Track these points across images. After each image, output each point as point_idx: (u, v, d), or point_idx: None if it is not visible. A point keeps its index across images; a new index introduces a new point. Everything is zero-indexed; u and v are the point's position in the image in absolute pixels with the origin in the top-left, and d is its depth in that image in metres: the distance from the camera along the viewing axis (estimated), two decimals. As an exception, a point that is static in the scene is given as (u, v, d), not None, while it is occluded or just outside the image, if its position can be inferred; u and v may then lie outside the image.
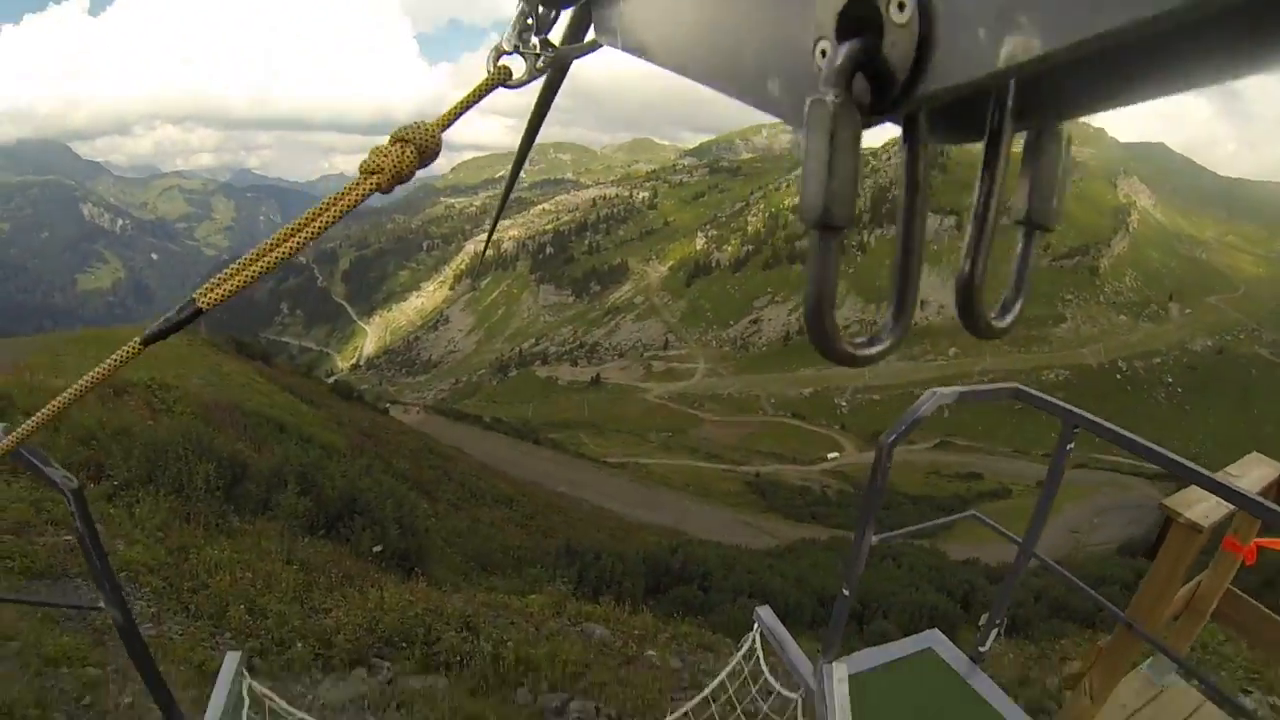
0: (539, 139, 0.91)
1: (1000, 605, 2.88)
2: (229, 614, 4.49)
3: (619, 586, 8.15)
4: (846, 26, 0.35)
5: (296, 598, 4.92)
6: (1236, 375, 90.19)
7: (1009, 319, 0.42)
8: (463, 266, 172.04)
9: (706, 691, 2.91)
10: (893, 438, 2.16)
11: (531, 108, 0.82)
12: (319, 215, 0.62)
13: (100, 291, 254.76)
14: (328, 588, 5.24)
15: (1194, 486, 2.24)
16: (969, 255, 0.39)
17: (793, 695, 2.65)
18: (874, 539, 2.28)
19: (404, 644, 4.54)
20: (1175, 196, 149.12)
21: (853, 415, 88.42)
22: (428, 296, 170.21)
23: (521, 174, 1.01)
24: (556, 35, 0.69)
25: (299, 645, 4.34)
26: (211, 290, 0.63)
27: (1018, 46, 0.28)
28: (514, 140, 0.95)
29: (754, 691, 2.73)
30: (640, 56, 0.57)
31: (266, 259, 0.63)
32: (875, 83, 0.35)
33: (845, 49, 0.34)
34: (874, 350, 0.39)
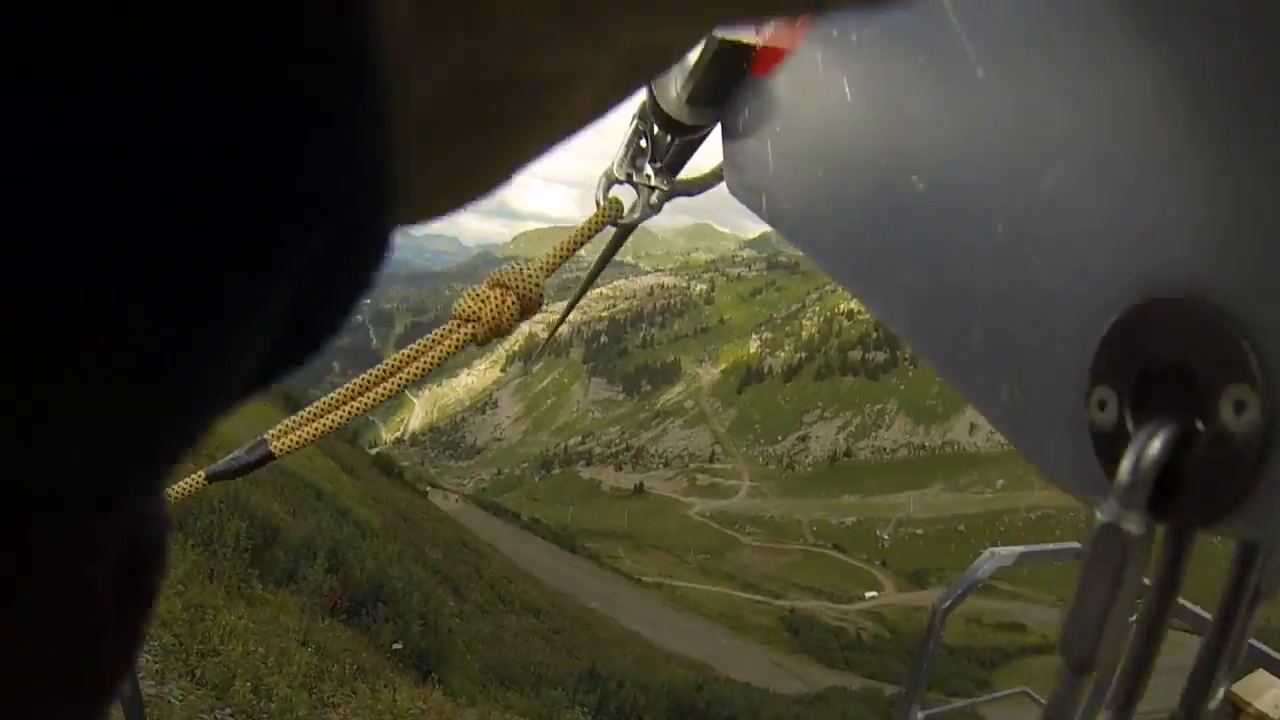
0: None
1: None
2: (234, 688, 4.38)
3: (640, 721, 7.73)
4: (1143, 391, 0.26)
5: (306, 684, 4.78)
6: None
7: None
8: (516, 347, 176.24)
9: None
10: (947, 603, 2.03)
11: (610, 240, 0.71)
12: (405, 365, 0.57)
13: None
14: (340, 679, 5.09)
15: (1261, 670, 2.01)
16: None
17: None
18: (920, 716, 2.09)
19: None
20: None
21: (895, 550, 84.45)
22: (478, 375, 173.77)
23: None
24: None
25: (302, 742, 4.18)
26: (285, 435, 0.61)
27: None
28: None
29: None
30: (781, 231, 0.46)
31: (344, 409, 0.59)
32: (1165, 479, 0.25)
33: (1157, 445, 0.24)
34: None
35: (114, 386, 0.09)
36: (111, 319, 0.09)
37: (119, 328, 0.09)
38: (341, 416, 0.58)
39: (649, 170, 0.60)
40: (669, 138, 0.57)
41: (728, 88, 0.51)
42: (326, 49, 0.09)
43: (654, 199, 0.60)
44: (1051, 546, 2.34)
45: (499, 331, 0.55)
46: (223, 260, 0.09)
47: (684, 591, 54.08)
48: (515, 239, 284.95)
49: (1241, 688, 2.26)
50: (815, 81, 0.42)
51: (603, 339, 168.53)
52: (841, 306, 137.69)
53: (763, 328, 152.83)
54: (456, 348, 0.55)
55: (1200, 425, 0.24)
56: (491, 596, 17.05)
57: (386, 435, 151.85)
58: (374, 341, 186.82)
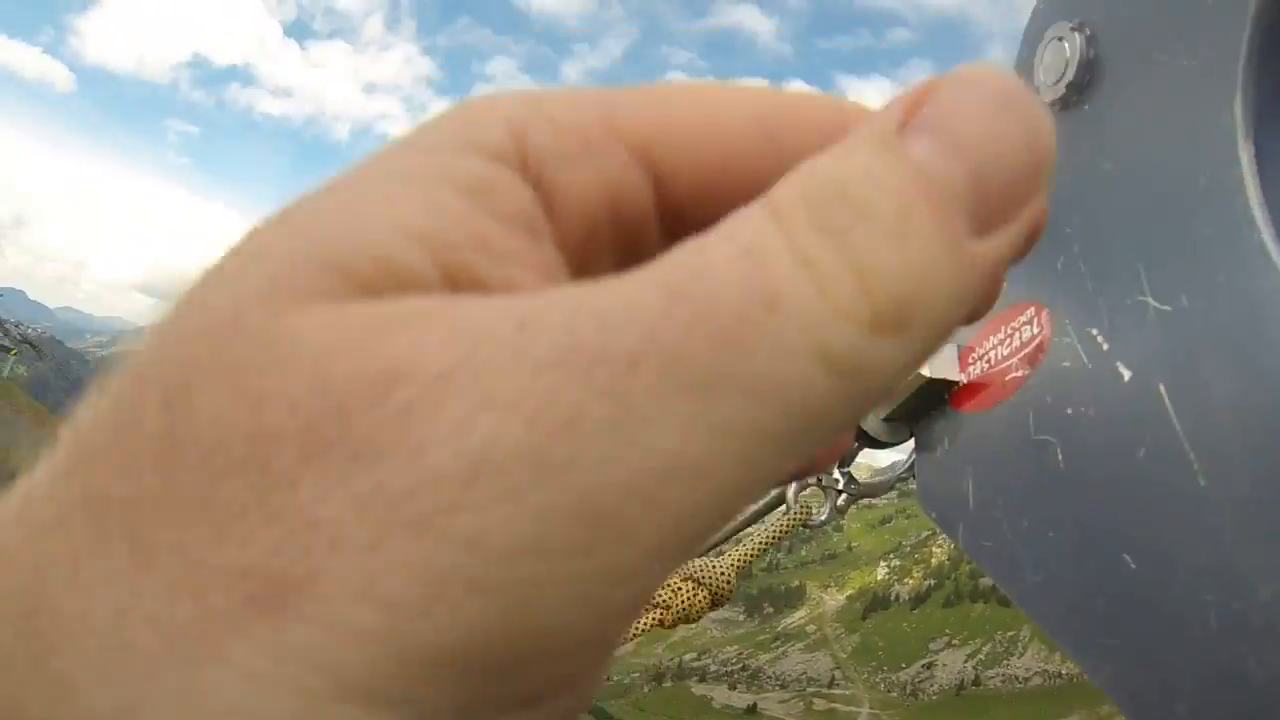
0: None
1: None
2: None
3: None
4: None
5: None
6: None
7: None
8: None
9: None
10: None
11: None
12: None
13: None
14: None
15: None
16: None
17: None
18: None
19: None
20: None
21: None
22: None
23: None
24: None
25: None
26: None
27: None
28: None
29: None
30: (978, 561, 0.44)
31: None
32: None
33: None
34: None
35: None
36: None
37: None
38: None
39: (837, 474, 0.61)
40: (857, 444, 0.57)
41: (926, 413, 0.52)
42: None
43: (841, 501, 0.60)
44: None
45: (687, 620, 0.56)
46: None
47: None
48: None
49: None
50: (1026, 440, 0.42)
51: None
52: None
53: (891, 555, 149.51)
54: (644, 630, 0.58)
55: None
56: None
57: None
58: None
